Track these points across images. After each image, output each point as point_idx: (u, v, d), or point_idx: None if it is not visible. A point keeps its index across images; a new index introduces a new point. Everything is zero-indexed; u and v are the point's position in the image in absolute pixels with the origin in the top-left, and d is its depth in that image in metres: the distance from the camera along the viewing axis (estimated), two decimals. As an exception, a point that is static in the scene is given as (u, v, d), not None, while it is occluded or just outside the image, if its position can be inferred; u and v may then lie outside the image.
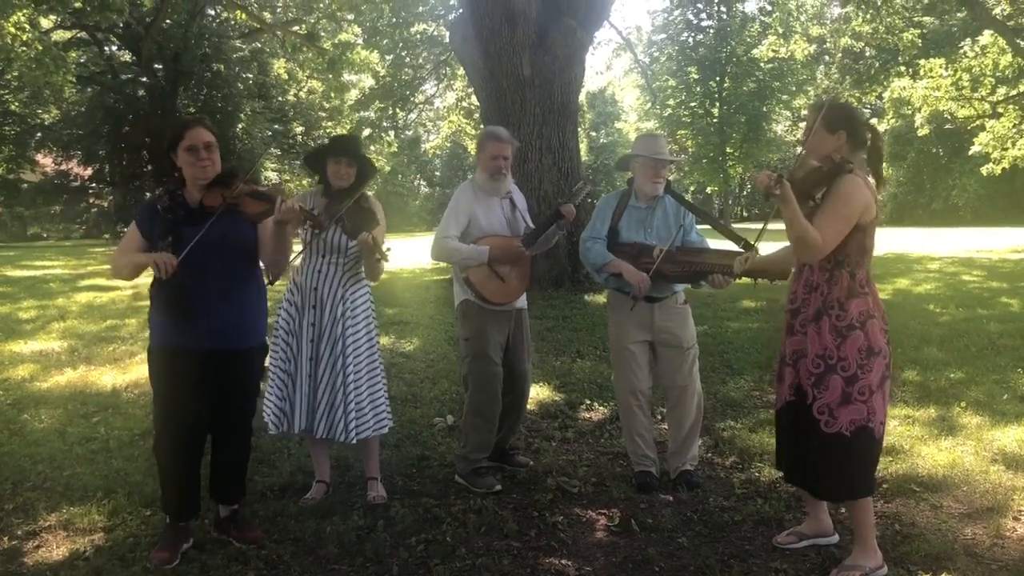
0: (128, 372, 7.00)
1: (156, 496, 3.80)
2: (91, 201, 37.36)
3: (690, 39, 45.27)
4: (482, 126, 14.37)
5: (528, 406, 5.08)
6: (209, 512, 3.86)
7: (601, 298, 10.33)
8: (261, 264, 3.75)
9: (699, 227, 4.50)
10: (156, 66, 31.30)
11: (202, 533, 3.77)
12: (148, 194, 32.28)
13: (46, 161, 35.79)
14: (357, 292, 4.15)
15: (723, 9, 44.14)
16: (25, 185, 34.78)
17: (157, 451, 3.64)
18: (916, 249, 19.72)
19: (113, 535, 3.82)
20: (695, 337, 4.50)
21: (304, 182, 41.56)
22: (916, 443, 4.92)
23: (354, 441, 4.08)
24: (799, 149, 3.32)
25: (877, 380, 3.21)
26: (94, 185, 36.11)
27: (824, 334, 3.23)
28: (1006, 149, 21.24)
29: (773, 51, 22.69)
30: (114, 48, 33.17)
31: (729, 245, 4.03)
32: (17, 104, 31.62)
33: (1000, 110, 20.63)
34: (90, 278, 14.58)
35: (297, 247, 3.93)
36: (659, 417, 5.34)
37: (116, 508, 4.08)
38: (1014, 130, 21.05)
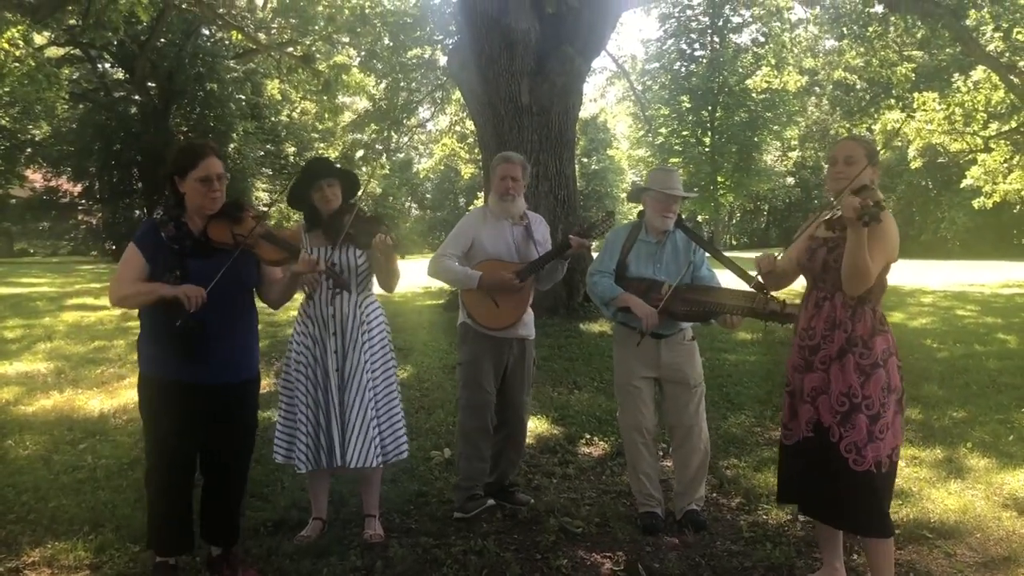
0: (116, 396, 6.84)
1: (145, 531, 3.62)
2: (80, 218, 37.27)
3: (683, 68, 45.55)
4: (477, 151, 14.35)
5: (526, 439, 4.95)
6: (200, 549, 3.70)
7: (597, 327, 10.22)
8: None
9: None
10: (149, 84, 31.30)
11: (193, 572, 3.63)
12: (137, 212, 32.17)
13: (35, 177, 35.71)
14: (372, 314, 4.05)
15: (716, 40, 44.53)
16: (13, 200, 34.62)
17: (148, 484, 3.46)
18: (908, 282, 19.70)
19: (100, 573, 3.66)
20: (702, 375, 4.39)
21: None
22: (924, 486, 4.81)
23: (380, 466, 3.98)
24: (834, 183, 3.26)
25: (891, 416, 3.18)
26: (83, 202, 36.04)
27: (849, 372, 3.17)
28: (997, 183, 21.45)
29: (767, 82, 22.78)
30: (107, 66, 33.17)
31: (739, 283, 3.96)
32: (7, 119, 31.45)
33: (992, 145, 20.83)
34: (77, 296, 14.39)
35: None
36: (661, 454, 5.21)
37: (103, 544, 3.92)
38: (1005, 165, 21.25)
